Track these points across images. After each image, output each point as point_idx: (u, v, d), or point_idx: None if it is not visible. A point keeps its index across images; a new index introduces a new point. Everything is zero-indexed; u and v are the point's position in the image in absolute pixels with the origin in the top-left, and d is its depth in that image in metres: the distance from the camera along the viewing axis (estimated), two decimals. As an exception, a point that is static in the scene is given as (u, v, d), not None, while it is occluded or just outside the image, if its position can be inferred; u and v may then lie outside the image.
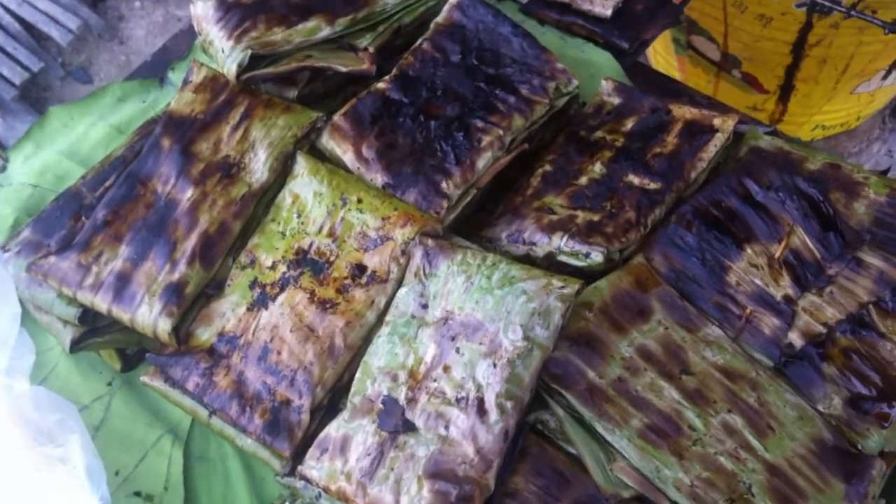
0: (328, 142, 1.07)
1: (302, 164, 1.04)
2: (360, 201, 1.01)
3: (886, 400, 0.92)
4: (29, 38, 2.76)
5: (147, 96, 1.27)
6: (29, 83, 2.71)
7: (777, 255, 1.00)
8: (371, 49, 1.13)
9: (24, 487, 0.92)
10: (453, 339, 0.92)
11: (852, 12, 1.29)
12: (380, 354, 0.95)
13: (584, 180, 1.07)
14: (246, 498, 1.01)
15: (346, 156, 1.06)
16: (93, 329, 1.02)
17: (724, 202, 1.03)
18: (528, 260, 1.02)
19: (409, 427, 0.90)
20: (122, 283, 0.98)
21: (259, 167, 1.04)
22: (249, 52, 1.05)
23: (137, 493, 1.00)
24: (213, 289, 1.00)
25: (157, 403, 1.05)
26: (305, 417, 0.93)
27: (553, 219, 1.03)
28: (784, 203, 1.01)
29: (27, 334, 1.01)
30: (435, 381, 0.91)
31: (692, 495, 0.86)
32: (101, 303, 0.98)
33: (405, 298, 0.97)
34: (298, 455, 0.93)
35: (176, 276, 0.98)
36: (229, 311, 0.99)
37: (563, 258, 1.01)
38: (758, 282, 0.99)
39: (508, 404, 0.88)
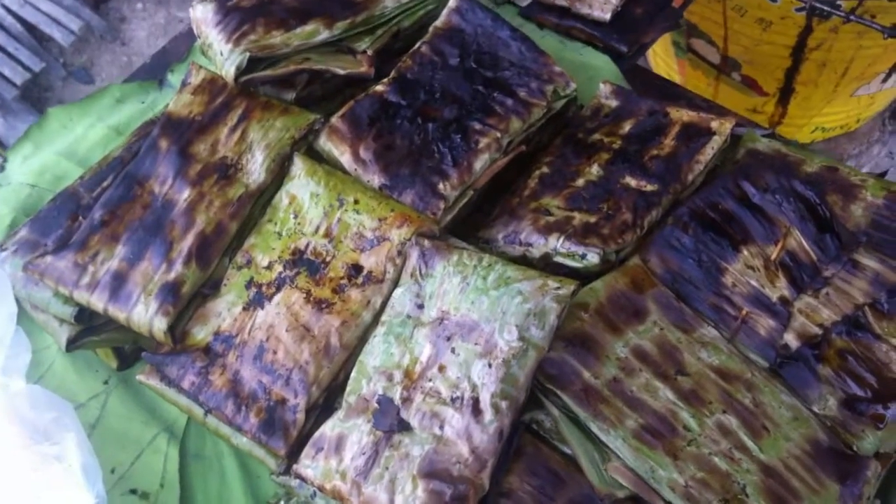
0: (326, 143, 1.07)
1: (299, 165, 1.05)
2: (356, 202, 1.02)
3: (881, 401, 0.92)
4: (31, 38, 2.77)
5: (146, 98, 1.27)
6: (30, 83, 2.72)
7: (773, 256, 1.00)
8: (369, 52, 1.13)
9: (20, 486, 0.93)
10: (449, 339, 0.92)
11: (851, 17, 1.30)
12: (375, 354, 0.95)
13: (580, 182, 1.08)
14: (241, 496, 1.01)
15: (344, 157, 1.06)
16: (89, 328, 1.03)
17: (721, 204, 1.03)
18: (524, 261, 1.02)
19: (404, 426, 0.90)
20: (118, 283, 0.99)
21: (256, 168, 1.04)
22: (248, 54, 1.05)
23: (133, 491, 1.01)
24: (210, 288, 1.01)
25: (154, 402, 1.05)
26: (301, 416, 0.93)
27: (550, 220, 1.03)
28: (780, 205, 1.02)
29: (23, 333, 1.02)
30: (430, 380, 0.91)
31: (686, 496, 0.86)
32: (98, 302, 0.99)
33: (401, 298, 0.97)
34: (294, 454, 0.93)
35: (172, 275, 0.98)
36: (225, 311, 1.00)
37: (559, 259, 1.01)
38: (754, 283, 0.99)
39: (503, 404, 0.88)
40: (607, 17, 1.26)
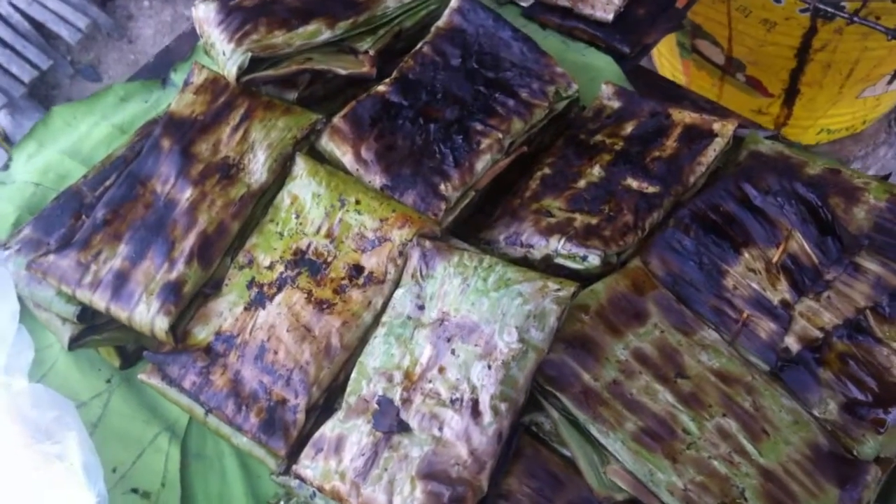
0: (328, 143, 1.08)
1: (301, 165, 1.05)
2: (358, 203, 1.02)
3: (882, 405, 0.92)
4: (38, 36, 2.78)
5: (149, 97, 1.28)
6: (38, 81, 2.73)
7: (775, 259, 1.00)
8: (371, 52, 1.13)
9: (21, 485, 0.93)
10: (449, 340, 0.93)
11: (855, 18, 1.29)
12: (376, 355, 0.95)
13: (582, 183, 1.07)
14: (242, 496, 1.01)
15: (346, 157, 1.06)
16: (91, 327, 1.03)
17: (723, 206, 1.03)
18: (525, 262, 1.02)
19: (404, 427, 0.90)
20: (120, 282, 0.99)
21: (258, 168, 1.05)
22: (250, 54, 1.06)
23: (135, 490, 1.01)
24: (211, 288, 1.01)
25: (156, 401, 1.06)
26: (301, 417, 0.94)
27: (551, 221, 1.03)
28: (782, 208, 1.01)
29: (26, 332, 1.02)
30: (430, 382, 0.91)
31: (685, 499, 0.85)
32: (100, 301, 0.99)
33: (402, 299, 0.97)
34: (294, 454, 0.93)
35: (174, 275, 0.99)
36: (226, 311, 1.00)
37: (560, 261, 1.01)
38: (755, 286, 0.99)
39: (503, 406, 0.88)
40: (610, 17, 1.26)
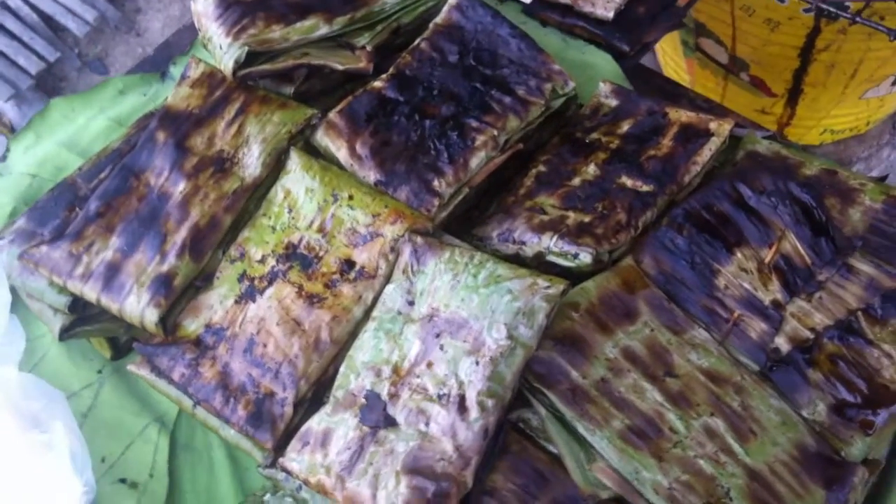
0: (323, 138, 1.08)
1: (295, 159, 1.05)
2: (351, 198, 1.02)
3: (871, 407, 0.91)
4: (46, 28, 2.79)
5: (148, 90, 1.28)
6: (45, 73, 2.74)
7: (767, 259, 0.99)
8: (368, 48, 1.13)
9: (9, 473, 0.94)
10: (438, 336, 0.93)
11: (857, 18, 1.28)
12: (365, 349, 0.95)
13: (577, 181, 1.07)
14: (229, 488, 1.02)
15: (340, 152, 1.07)
16: (82, 317, 1.04)
17: (717, 206, 1.03)
18: (517, 259, 1.02)
19: (390, 422, 0.90)
20: (111, 274, 1.00)
21: (252, 162, 1.05)
22: (246, 48, 1.06)
23: (123, 480, 1.01)
24: (202, 281, 1.01)
25: (146, 392, 1.06)
26: (289, 410, 0.94)
27: (544, 219, 1.03)
28: (776, 208, 1.01)
29: (18, 321, 1.03)
30: (418, 377, 0.91)
31: (670, 498, 0.85)
32: (91, 292, 0.99)
33: (392, 295, 0.97)
34: (280, 447, 0.94)
35: (165, 267, 0.99)
36: (217, 304, 1.00)
37: (552, 258, 1.00)
38: (746, 286, 0.99)
39: (489, 402, 0.88)
40: (610, 15, 1.25)
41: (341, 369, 0.95)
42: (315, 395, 0.97)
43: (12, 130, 2.59)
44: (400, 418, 0.90)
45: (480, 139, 1.07)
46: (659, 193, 1.04)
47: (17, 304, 1.08)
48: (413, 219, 1.00)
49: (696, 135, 1.08)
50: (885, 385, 0.92)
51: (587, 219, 1.02)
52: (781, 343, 0.95)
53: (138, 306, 0.98)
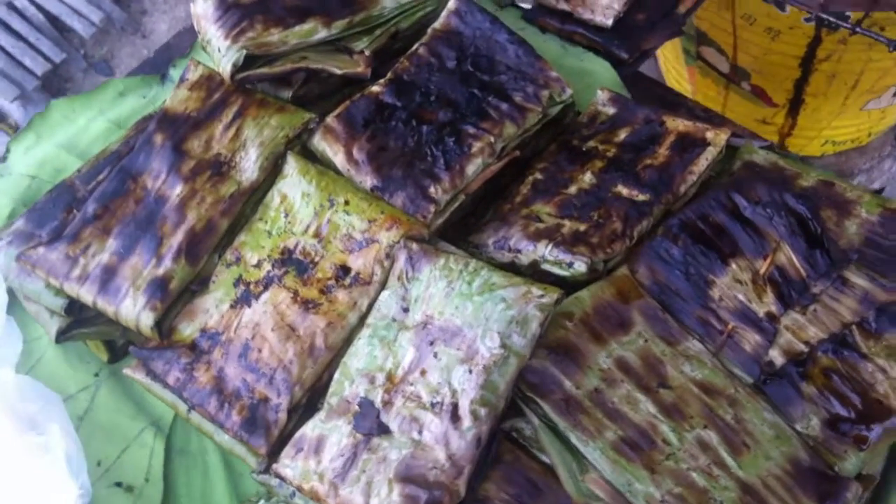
0: (320, 143, 1.08)
1: (292, 164, 1.05)
2: (347, 203, 1.02)
3: (865, 422, 0.91)
4: (52, 29, 2.80)
5: (148, 92, 1.28)
6: (51, 74, 2.75)
7: (762, 271, 0.99)
8: (367, 52, 1.13)
9: (5, 475, 0.94)
10: (432, 343, 0.93)
11: (857, 28, 1.28)
12: (359, 356, 0.95)
13: (573, 189, 1.07)
14: (224, 493, 1.02)
15: (337, 157, 1.07)
16: (79, 320, 1.04)
17: (712, 216, 1.03)
18: (512, 267, 1.02)
19: (384, 430, 0.90)
20: (107, 276, 1.00)
21: (249, 166, 1.05)
22: (244, 51, 1.06)
23: (118, 484, 1.01)
24: (198, 285, 1.02)
25: (142, 396, 1.06)
26: (283, 416, 0.94)
27: (539, 227, 1.03)
28: (771, 219, 1.01)
29: (15, 323, 1.03)
30: (412, 384, 0.91)
31: (661, 510, 0.85)
32: (87, 295, 1.00)
33: (387, 301, 0.97)
34: (274, 453, 0.94)
35: (161, 271, 0.99)
36: (213, 308, 1.00)
37: (546, 267, 1.00)
38: (741, 298, 0.98)
39: (482, 411, 0.88)
40: (609, 22, 1.25)
41: (336, 376, 0.95)
42: (309, 402, 0.97)
43: (17, 131, 2.59)
44: (393, 426, 0.90)
45: (477, 146, 1.07)
46: (655, 203, 1.04)
47: (15, 305, 1.09)
48: (409, 225, 1.00)
49: (693, 144, 1.08)
50: (879, 400, 0.92)
51: (582, 227, 1.02)
52: (775, 356, 0.95)
53: (134, 309, 0.98)
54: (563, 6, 1.28)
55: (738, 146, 1.13)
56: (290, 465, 0.92)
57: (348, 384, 0.94)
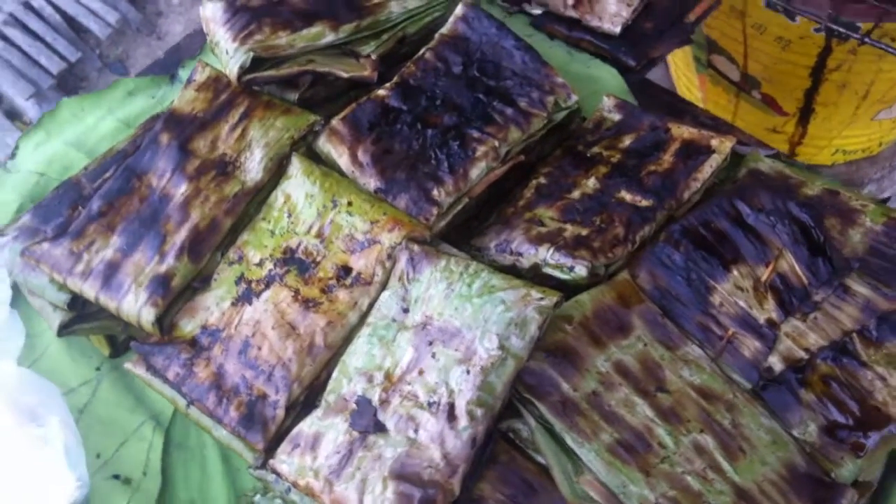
0: (325, 145, 1.09)
1: (296, 165, 1.06)
2: (350, 204, 1.03)
3: (863, 429, 0.91)
4: (69, 29, 2.83)
5: (157, 92, 1.30)
6: (66, 73, 2.78)
7: (763, 278, 0.99)
8: (373, 56, 1.14)
9: (4, 466, 0.95)
10: (430, 343, 0.93)
11: (866, 39, 1.28)
12: (358, 355, 0.96)
13: (576, 194, 1.08)
14: (221, 488, 1.02)
15: (342, 159, 1.07)
16: (81, 315, 1.05)
17: (714, 223, 1.03)
18: (514, 270, 1.02)
19: (380, 428, 0.90)
20: (110, 272, 1.01)
21: (254, 166, 1.06)
22: (252, 54, 1.07)
23: (116, 477, 1.02)
24: (200, 282, 1.02)
25: (142, 390, 1.07)
26: (280, 413, 0.94)
27: (541, 231, 1.04)
28: (774, 227, 1.01)
29: (18, 317, 1.04)
30: (409, 384, 0.92)
31: (656, 513, 0.85)
32: (90, 290, 1.01)
33: (388, 301, 0.98)
34: (271, 449, 0.94)
35: (163, 268, 1.00)
36: (214, 305, 1.01)
37: (547, 270, 1.01)
38: (742, 304, 0.98)
39: (479, 412, 0.88)
40: (617, 30, 1.26)
41: (334, 374, 0.96)
42: (307, 399, 0.97)
43: (30, 128, 2.62)
44: (390, 424, 0.90)
45: (481, 150, 1.07)
46: (658, 209, 1.04)
47: (20, 300, 1.10)
48: (411, 227, 1.00)
49: (698, 151, 1.08)
50: (877, 407, 0.91)
51: (585, 232, 1.02)
52: (775, 362, 0.95)
53: (136, 305, 0.99)
54: (572, 13, 1.29)
55: (744, 154, 1.13)
56: (286, 461, 0.92)
57: (346, 382, 0.95)
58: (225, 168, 1.06)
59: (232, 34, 1.11)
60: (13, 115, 2.71)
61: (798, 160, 1.90)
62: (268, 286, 1.01)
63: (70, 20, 2.84)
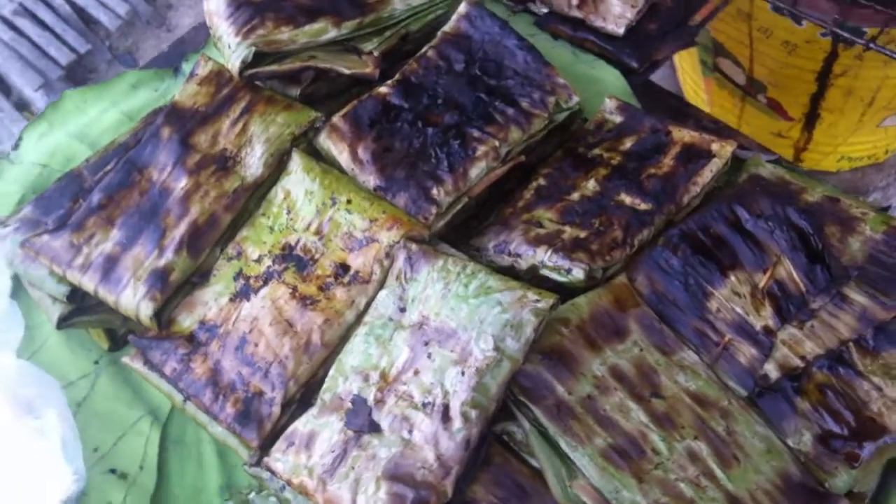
0: (325, 141, 1.09)
1: (297, 161, 1.06)
2: (349, 202, 1.03)
3: (858, 440, 0.90)
4: (79, 21, 2.83)
5: (160, 85, 1.30)
6: (75, 64, 2.78)
7: (761, 284, 0.99)
8: (375, 53, 1.14)
9: (1, 457, 0.95)
10: (426, 344, 0.93)
11: (871, 45, 1.27)
12: (354, 354, 0.96)
13: (576, 196, 1.07)
14: (216, 484, 1.03)
15: (342, 156, 1.07)
16: (80, 308, 1.05)
17: (713, 228, 1.02)
18: (512, 272, 1.02)
19: (374, 428, 0.90)
20: (109, 266, 1.01)
21: (254, 162, 1.06)
22: (254, 48, 1.07)
23: (113, 471, 1.02)
24: (199, 278, 1.03)
25: (140, 384, 1.07)
26: (276, 410, 0.95)
27: (540, 232, 1.03)
28: (773, 233, 1.00)
29: (17, 309, 1.05)
30: (405, 384, 0.92)
31: (648, 519, 0.85)
32: (89, 283, 1.01)
33: (385, 300, 0.98)
34: (266, 446, 0.94)
35: (162, 262, 1.00)
36: (212, 301, 1.01)
37: (545, 272, 1.01)
38: (739, 310, 0.98)
39: (473, 413, 0.88)
40: (621, 31, 1.25)
41: (330, 372, 0.96)
42: (303, 397, 0.97)
43: (37, 118, 2.62)
44: (384, 424, 0.90)
45: (481, 149, 1.07)
46: (657, 212, 1.04)
47: (21, 292, 1.10)
48: (409, 226, 1.00)
49: (698, 155, 1.08)
50: (872, 418, 0.91)
51: (583, 234, 1.02)
52: (771, 370, 0.94)
53: (134, 299, 0.99)
54: (576, 13, 1.28)
55: (745, 158, 1.12)
56: (280, 459, 0.93)
57: (342, 381, 0.95)
58: (225, 163, 1.06)
59: (235, 28, 1.11)
60: (22, 105, 2.72)
61: (803, 166, 1.90)
62: (266, 283, 1.01)
63: (80, 11, 2.85)
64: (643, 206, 1.04)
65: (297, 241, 1.03)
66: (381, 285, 0.99)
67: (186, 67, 1.30)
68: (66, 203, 1.09)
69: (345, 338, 0.98)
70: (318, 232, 1.03)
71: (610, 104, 1.17)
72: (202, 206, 1.03)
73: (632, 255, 1.02)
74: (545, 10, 1.32)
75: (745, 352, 0.96)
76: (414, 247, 0.98)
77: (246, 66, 1.07)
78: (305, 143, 1.09)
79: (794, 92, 1.77)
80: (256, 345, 0.97)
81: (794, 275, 0.98)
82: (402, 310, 0.97)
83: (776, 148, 1.18)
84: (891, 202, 2.06)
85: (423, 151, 1.07)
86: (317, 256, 1.02)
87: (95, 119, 1.26)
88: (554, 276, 1.00)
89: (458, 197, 1.06)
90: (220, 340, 0.99)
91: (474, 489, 0.90)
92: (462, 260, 0.98)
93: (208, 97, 1.11)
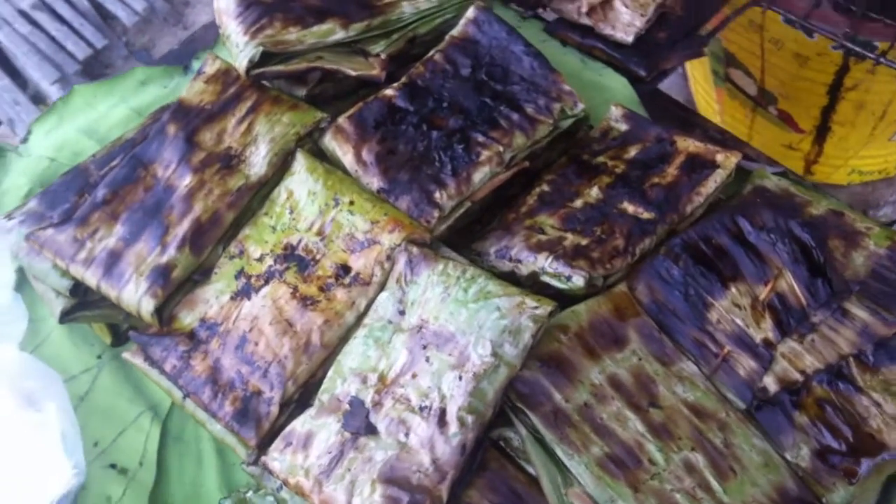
0: (330, 142, 1.09)
1: (301, 161, 1.06)
2: (351, 203, 1.03)
3: (856, 456, 0.90)
4: (96, 16, 2.85)
5: (169, 82, 1.31)
6: (92, 59, 2.80)
7: (762, 297, 0.98)
8: (382, 56, 1.14)
9: (1, 450, 0.96)
10: (425, 347, 0.93)
11: (882, 59, 1.27)
12: (353, 355, 0.96)
13: (578, 203, 1.07)
14: (215, 482, 1.03)
15: (346, 157, 1.08)
16: (83, 302, 1.05)
17: (715, 239, 1.02)
18: (512, 277, 1.02)
19: (371, 430, 0.91)
20: (112, 261, 1.02)
21: (259, 161, 1.06)
22: (261, 48, 1.07)
23: (112, 466, 1.03)
24: (201, 275, 1.03)
25: (142, 380, 1.08)
26: (274, 409, 0.95)
27: (542, 239, 1.03)
28: (775, 245, 1.00)
29: (21, 302, 1.05)
30: (402, 387, 0.92)
31: (641, 529, 0.85)
32: (91, 277, 1.02)
33: (385, 303, 0.98)
34: (264, 445, 0.95)
35: (164, 259, 1.01)
36: (213, 299, 1.02)
37: (545, 279, 1.01)
38: (739, 322, 0.98)
39: (469, 418, 0.88)
40: (630, 39, 1.25)
41: (329, 373, 0.96)
42: (302, 397, 0.97)
43: (52, 113, 2.64)
44: (381, 427, 0.91)
45: (485, 154, 1.07)
46: (659, 222, 1.03)
47: (25, 285, 1.11)
48: (411, 228, 1.00)
49: (703, 165, 1.07)
50: (871, 434, 0.90)
51: (584, 242, 1.02)
52: (770, 383, 0.94)
53: (136, 295, 1.00)
54: (585, 20, 1.28)
55: (751, 170, 1.12)
56: (278, 459, 0.93)
57: (340, 382, 0.95)
58: (230, 161, 1.07)
59: (243, 27, 1.11)
60: (38, 99, 2.74)
61: (813, 179, 1.89)
62: (267, 282, 1.01)
63: (98, 6, 2.86)
64: (646, 215, 1.04)
65: (299, 242, 1.03)
66: (382, 287, 1.00)
67: (196, 65, 1.31)
68: (71, 197, 1.10)
69: (344, 339, 0.98)
70: (320, 232, 1.03)
71: (615, 112, 1.17)
72: (206, 203, 1.04)
73: (633, 263, 1.02)
74: (555, 17, 1.32)
75: (745, 364, 0.96)
76: (415, 250, 0.99)
77: (253, 65, 1.08)
78: (311, 143, 1.10)
79: (805, 104, 1.76)
80: (256, 344, 0.98)
81: (796, 288, 0.98)
82: (402, 312, 0.97)
83: (787, 160, 1.17)
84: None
85: (427, 155, 1.08)
86: (318, 257, 1.02)
87: (104, 114, 1.27)
88: (554, 282, 1.00)
89: (461, 201, 1.06)
90: (221, 339, 0.99)
91: (470, 494, 0.89)
92: (462, 264, 0.98)
93: (215, 95, 1.11)
